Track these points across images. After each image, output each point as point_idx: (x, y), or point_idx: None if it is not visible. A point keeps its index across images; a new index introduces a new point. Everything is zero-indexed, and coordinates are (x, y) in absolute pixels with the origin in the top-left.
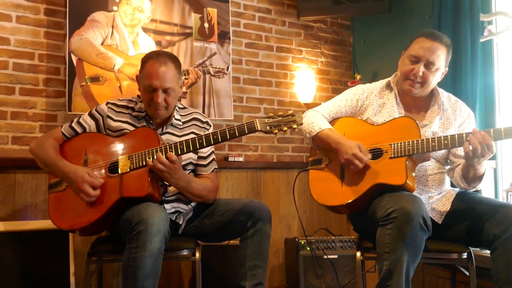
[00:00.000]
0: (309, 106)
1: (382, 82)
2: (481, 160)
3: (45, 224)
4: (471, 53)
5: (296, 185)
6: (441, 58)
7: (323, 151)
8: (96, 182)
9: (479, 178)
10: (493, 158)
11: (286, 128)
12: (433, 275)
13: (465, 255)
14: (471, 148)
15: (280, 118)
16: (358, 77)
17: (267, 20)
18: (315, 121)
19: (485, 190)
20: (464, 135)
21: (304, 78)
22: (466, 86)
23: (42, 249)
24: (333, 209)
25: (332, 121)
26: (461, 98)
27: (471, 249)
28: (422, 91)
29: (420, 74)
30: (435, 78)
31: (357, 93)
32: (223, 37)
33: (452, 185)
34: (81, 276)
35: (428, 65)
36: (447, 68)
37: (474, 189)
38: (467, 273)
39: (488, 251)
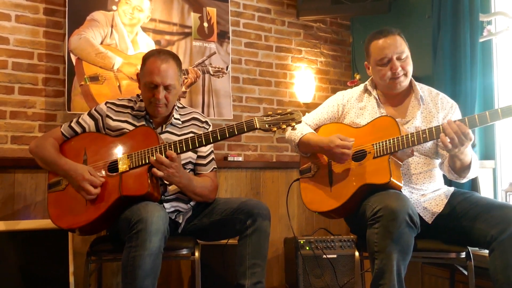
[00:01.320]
0: (308, 106)
1: (360, 87)
2: (461, 149)
3: (45, 223)
4: (470, 53)
5: (295, 185)
6: (404, 45)
7: (311, 158)
8: (97, 181)
9: (468, 167)
10: (492, 158)
11: (285, 126)
12: (432, 275)
13: (463, 255)
14: (448, 140)
15: (279, 116)
16: (358, 77)
17: (267, 19)
18: (298, 128)
19: (484, 190)
20: (441, 126)
21: (303, 78)
22: (465, 86)
23: (42, 249)
24: (325, 215)
25: (316, 129)
26: (460, 98)
27: (470, 248)
28: (406, 80)
29: (399, 68)
30: (410, 65)
31: (338, 99)
32: (223, 36)
33: (446, 182)
34: (81, 275)
35: (400, 57)
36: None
37: (466, 179)
38: (465, 273)
39: (487, 251)
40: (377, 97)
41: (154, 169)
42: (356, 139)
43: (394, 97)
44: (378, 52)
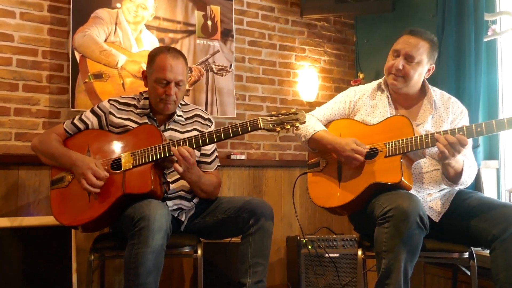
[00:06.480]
0: (311, 104)
1: (373, 84)
2: (454, 158)
3: (48, 220)
4: (475, 53)
5: (298, 184)
6: (421, 52)
7: (320, 153)
8: (101, 173)
9: (460, 173)
10: (496, 158)
11: (289, 127)
12: (435, 275)
13: (466, 255)
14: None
15: (283, 116)
16: (361, 76)
17: (270, 18)
18: (309, 124)
19: (488, 190)
20: (456, 130)
21: (307, 76)
22: (469, 85)
23: (45, 245)
24: (331, 211)
25: (327, 124)
26: (465, 97)
27: (473, 248)
28: (406, 85)
29: (400, 67)
30: (417, 73)
31: (350, 95)
32: (226, 35)
33: None
34: (83, 272)
35: (408, 58)
36: (433, 65)
37: (463, 186)
38: (468, 273)
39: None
40: (389, 96)
41: (176, 165)
42: (368, 137)
43: (406, 99)
44: (398, 45)
